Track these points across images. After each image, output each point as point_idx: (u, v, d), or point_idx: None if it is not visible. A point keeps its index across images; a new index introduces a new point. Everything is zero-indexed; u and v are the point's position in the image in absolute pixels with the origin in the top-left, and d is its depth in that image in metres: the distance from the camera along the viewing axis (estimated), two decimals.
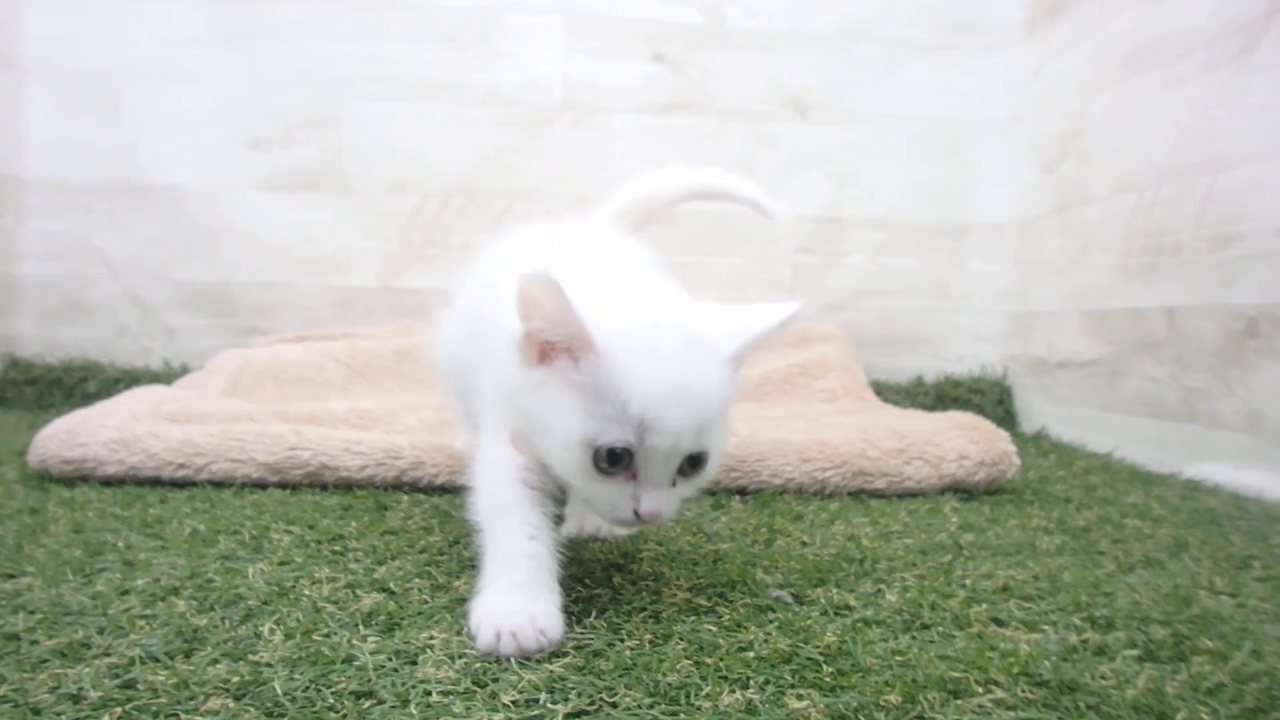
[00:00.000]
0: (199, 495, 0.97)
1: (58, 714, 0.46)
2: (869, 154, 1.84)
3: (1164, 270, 1.35)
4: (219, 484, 1.02)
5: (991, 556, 0.83)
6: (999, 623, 0.65)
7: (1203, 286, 1.26)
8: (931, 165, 1.85)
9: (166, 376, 1.63)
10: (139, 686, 0.49)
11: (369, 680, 0.51)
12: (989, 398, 1.79)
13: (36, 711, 0.46)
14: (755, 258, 1.84)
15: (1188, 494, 1.17)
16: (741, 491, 1.09)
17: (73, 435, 1.01)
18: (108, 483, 1.01)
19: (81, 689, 0.49)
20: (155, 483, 1.02)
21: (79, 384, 1.62)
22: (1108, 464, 1.40)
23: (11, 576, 0.68)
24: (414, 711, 0.47)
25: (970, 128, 1.85)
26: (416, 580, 0.69)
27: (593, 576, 0.72)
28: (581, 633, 0.59)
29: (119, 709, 0.47)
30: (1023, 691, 0.53)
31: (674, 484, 0.60)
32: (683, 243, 1.80)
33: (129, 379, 1.62)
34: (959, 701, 0.51)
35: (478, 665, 0.54)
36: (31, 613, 0.60)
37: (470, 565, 0.71)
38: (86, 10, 1.69)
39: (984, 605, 0.68)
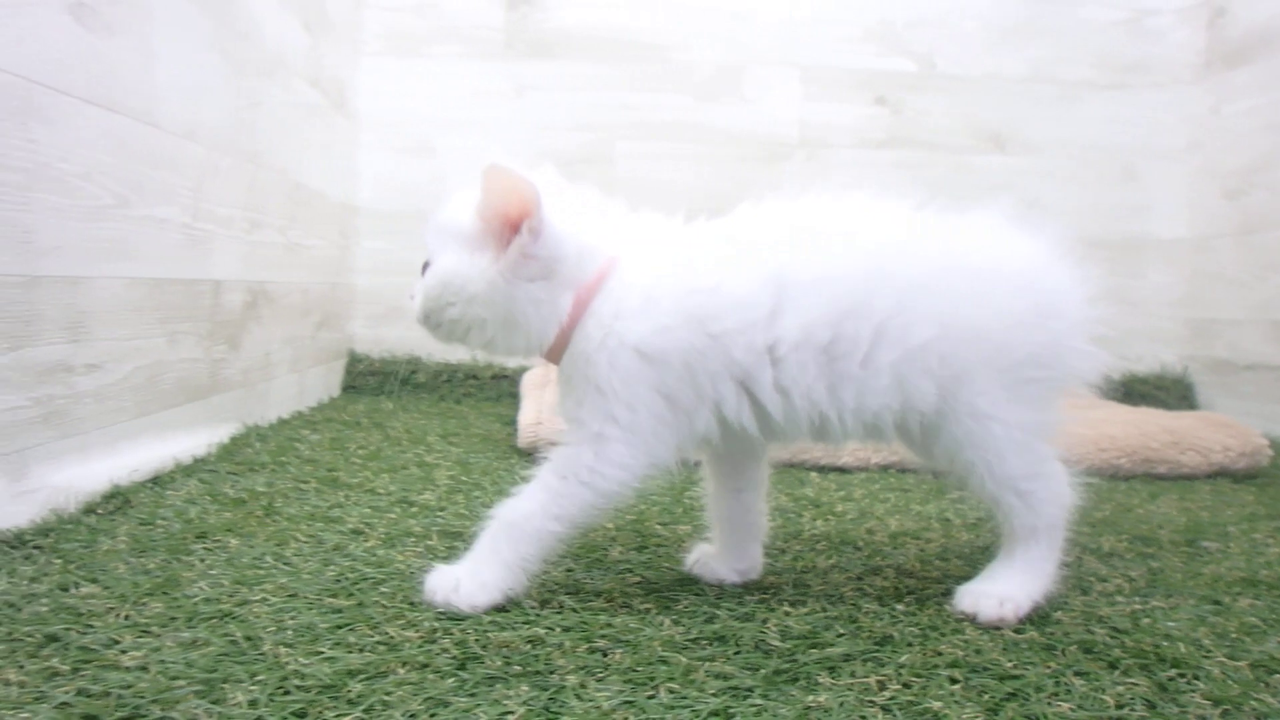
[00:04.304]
0: None
1: None
2: (1051, 179, 2.10)
3: None
4: None
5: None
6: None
7: None
8: (1107, 188, 2.11)
9: (477, 369, 1.96)
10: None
11: None
12: (1172, 393, 2.04)
13: None
14: None
15: None
16: None
17: (548, 424, 1.31)
18: None
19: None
20: None
21: (410, 375, 1.96)
22: None
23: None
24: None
25: (1143, 155, 2.11)
26: None
27: None
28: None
29: None
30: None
31: None
32: None
33: (447, 371, 1.96)
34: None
35: None
36: None
37: None
38: (406, 72, 2.02)
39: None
